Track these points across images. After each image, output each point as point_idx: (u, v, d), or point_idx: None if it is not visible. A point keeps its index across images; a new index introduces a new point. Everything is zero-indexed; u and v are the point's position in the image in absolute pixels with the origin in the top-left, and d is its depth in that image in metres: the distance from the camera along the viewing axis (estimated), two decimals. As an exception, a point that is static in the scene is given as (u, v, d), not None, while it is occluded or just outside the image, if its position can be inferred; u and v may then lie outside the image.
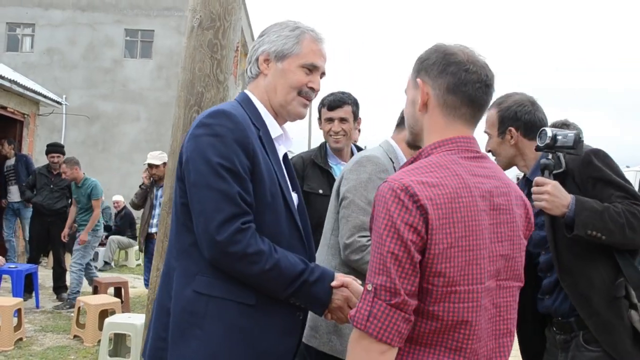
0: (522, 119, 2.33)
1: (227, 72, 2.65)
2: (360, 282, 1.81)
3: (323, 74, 1.91)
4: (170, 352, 1.68)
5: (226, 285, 1.65)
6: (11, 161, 8.64)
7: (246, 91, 1.92)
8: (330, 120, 3.19)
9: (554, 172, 2.23)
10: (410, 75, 1.58)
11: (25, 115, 9.91)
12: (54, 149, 7.87)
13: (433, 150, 1.48)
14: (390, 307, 1.33)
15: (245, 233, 1.61)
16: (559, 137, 2.17)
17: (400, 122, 2.66)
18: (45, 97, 10.37)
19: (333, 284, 1.74)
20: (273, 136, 1.83)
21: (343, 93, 3.25)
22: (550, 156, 2.22)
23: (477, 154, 1.50)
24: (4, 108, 9.21)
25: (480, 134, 2.42)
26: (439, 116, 1.49)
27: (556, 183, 2.16)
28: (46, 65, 20.20)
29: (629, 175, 14.57)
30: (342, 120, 3.18)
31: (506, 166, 2.44)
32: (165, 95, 19.34)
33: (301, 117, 1.92)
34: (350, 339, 1.41)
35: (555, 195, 2.13)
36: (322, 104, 3.27)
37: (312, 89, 1.87)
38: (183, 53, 2.65)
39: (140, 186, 6.61)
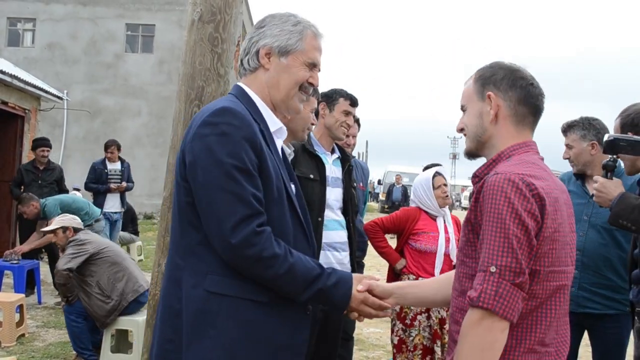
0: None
1: (227, 66, 2.63)
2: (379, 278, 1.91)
3: (319, 69, 1.93)
4: (185, 354, 1.65)
5: (238, 283, 1.65)
6: (117, 165, 8.45)
7: (241, 84, 1.89)
8: (348, 113, 3.43)
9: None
10: (473, 90, 1.76)
11: (27, 111, 9.90)
12: (45, 142, 7.87)
13: (513, 152, 1.69)
14: (514, 287, 1.49)
15: (260, 236, 1.61)
16: (621, 143, 2.56)
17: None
18: (46, 92, 10.36)
19: (359, 288, 1.79)
20: (272, 130, 1.83)
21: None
22: (610, 158, 2.62)
23: (542, 159, 1.73)
24: (5, 103, 9.20)
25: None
26: (510, 125, 1.71)
27: (605, 180, 2.57)
28: (47, 60, 20.16)
29: None
30: (353, 119, 3.55)
31: (632, 170, 2.71)
32: (166, 90, 19.30)
33: (299, 112, 1.96)
34: (466, 322, 1.53)
35: (601, 191, 2.56)
36: (346, 96, 3.45)
37: (311, 84, 1.90)
38: (184, 47, 2.62)
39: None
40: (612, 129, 2.88)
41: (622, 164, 2.79)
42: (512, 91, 1.70)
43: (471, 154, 1.81)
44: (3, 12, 20.56)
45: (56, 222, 5.15)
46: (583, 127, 3.27)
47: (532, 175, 1.56)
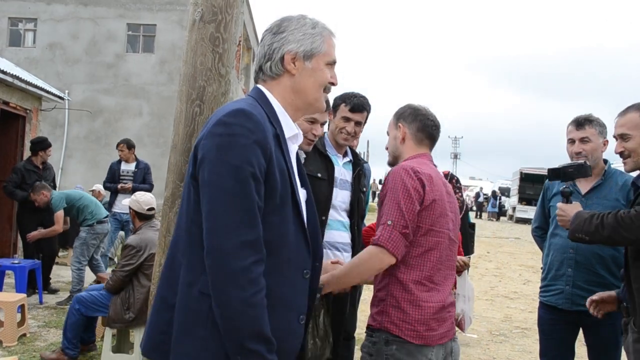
0: None
1: (229, 66, 2.63)
2: None
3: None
4: (174, 348, 1.66)
5: None
6: (130, 166, 8.43)
7: (261, 87, 1.88)
8: (348, 120, 3.35)
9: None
10: (392, 122, 2.62)
11: (28, 111, 9.90)
12: (49, 143, 7.93)
13: (411, 159, 2.49)
14: (401, 235, 2.26)
15: (250, 250, 1.59)
16: (568, 169, 2.97)
17: None
18: (47, 92, 10.35)
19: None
20: (287, 135, 1.83)
21: (364, 97, 3.39)
22: (567, 185, 2.97)
23: (435, 166, 2.53)
24: (7, 103, 9.20)
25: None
26: (411, 144, 2.55)
27: (564, 205, 2.90)
28: (48, 60, 20.17)
29: None
30: (357, 123, 3.38)
31: (634, 167, 2.75)
32: (167, 90, 19.31)
33: (322, 111, 2.01)
34: (367, 251, 2.30)
35: (562, 215, 2.89)
36: (343, 101, 3.37)
37: (332, 84, 1.93)
38: (185, 47, 2.62)
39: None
40: (611, 128, 2.92)
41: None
42: (414, 123, 2.54)
43: (391, 164, 2.60)
44: (4, 12, 20.57)
45: (129, 202, 5.14)
46: (600, 124, 3.30)
47: (418, 167, 2.36)
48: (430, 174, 2.36)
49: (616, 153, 2.79)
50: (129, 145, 8.41)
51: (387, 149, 2.67)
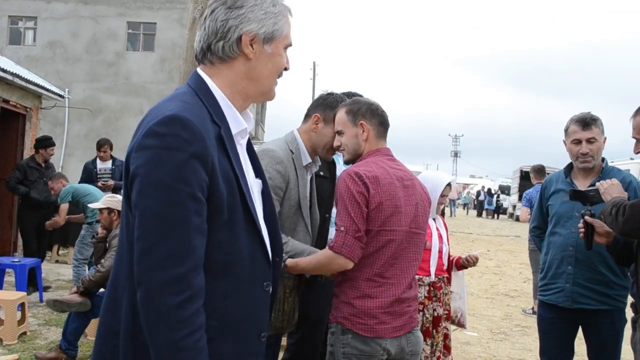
0: None
1: (228, 64, 2.61)
2: None
3: None
4: None
5: None
6: (107, 164, 8.28)
7: (203, 75, 1.61)
8: None
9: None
10: (347, 121, 2.62)
11: (28, 109, 9.90)
12: (53, 141, 7.97)
13: (369, 156, 2.58)
14: (354, 239, 2.36)
15: (192, 304, 1.38)
16: (589, 193, 3.06)
17: (305, 117, 2.98)
18: (47, 90, 10.36)
19: None
20: (234, 132, 1.58)
21: (361, 97, 3.35)
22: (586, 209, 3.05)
23: (392, 158, 2.61)
24: (7, 102, 9.20)
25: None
26: (373, 139, 2.60)
27: (603, 182, 2.96)
28: (49, 58, 20.18)
29: (634, 167, 14.48)
30: None
31: None
32: (168, 88, 19.28)
33: (272, 100, 1.76)
34: (323, 258, 2.44)
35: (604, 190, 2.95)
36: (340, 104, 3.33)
37: (286, 69, 1.70)
38: (185, 45, 2.61)
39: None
40: (615, 131, 2.93)
41: None
42: (374, 118, 2.60)
43: (349, 162, 2.68)
44: (4, 11, 20.57)
45: (103, 202, 5.06)
46: (601, 122, 3.31)
47: (365, 169, 2.43)
48: (377, 175, 2.42)
49: (636, 153, 2.81)
50: (111, 146, 8.41)
51: (338, 148, 2.72)
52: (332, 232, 3.32)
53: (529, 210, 7.88)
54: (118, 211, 4.87)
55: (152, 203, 1.37)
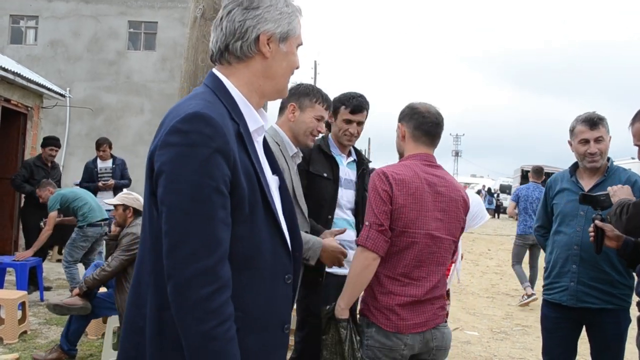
0: None
1: (230, 63, 2.62)
2: None
3: None
4: None
5: None
6: (107, 163, 8.29)
7: (219, 75, 1.68)
8: (349, 122, 3.40)
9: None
10: (398, 121, 2.75)
11: (29, 108, 9.90)
12: (55, 142, 7.94)
13: (406, 159, 2.66)
14: (378, 233, 2.47)
15: (221, 295, 1.42)
16: (600, 197, 3.05)
17: (280, 110, 3.04)
18: (49, 89, 10.36)
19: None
20: (252, 129, 1.64)
21: (362, 97, 3.44)
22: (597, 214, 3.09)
23: (432, 163, 2.66)
24: (8, 101, 9.21)
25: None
26: (410, 142, 2.69)
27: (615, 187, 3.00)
28: (50, 57, 20.17)
29: (635, 166, 14.48)
30: (359, 123, 3.44)
31: None
32: (169, 87, 19.30)
33: (286, 95, 1.83)
34: (354, 255, 2.55)
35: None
36: (343, 104, 3.41)
37: (297, 68, 1.76)
38: (186, 44, 2.61)
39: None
40: (616, 130, 2.95)
41: None
42: (410, 121, 2.68)
43: (401, 156, 2.78)
44: (6, 10, 20.57)
45: (118, 198, 5.00)
46: (606, 122, 3.31)
47: (394, 171, 2.54)
48: (404, 177, 2.52)
49: None
50: (110, 145, 8.40)
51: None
52: (349, 234, 3.34)
53: (515, 204, 8.85)
54: (133, 208, 4.86)
55: (179, 199, 1.42)
